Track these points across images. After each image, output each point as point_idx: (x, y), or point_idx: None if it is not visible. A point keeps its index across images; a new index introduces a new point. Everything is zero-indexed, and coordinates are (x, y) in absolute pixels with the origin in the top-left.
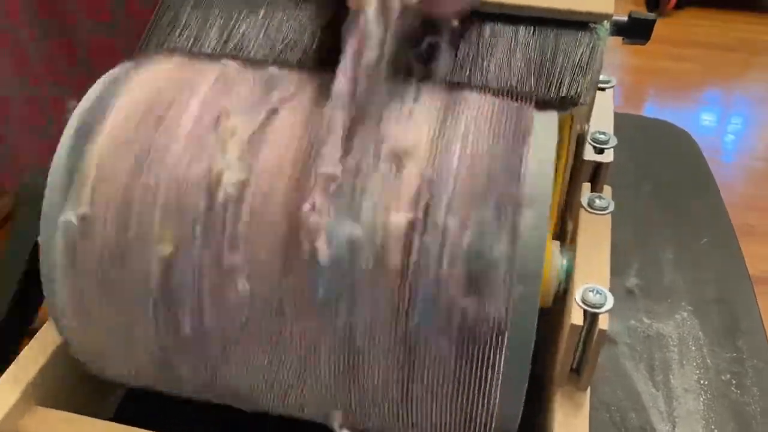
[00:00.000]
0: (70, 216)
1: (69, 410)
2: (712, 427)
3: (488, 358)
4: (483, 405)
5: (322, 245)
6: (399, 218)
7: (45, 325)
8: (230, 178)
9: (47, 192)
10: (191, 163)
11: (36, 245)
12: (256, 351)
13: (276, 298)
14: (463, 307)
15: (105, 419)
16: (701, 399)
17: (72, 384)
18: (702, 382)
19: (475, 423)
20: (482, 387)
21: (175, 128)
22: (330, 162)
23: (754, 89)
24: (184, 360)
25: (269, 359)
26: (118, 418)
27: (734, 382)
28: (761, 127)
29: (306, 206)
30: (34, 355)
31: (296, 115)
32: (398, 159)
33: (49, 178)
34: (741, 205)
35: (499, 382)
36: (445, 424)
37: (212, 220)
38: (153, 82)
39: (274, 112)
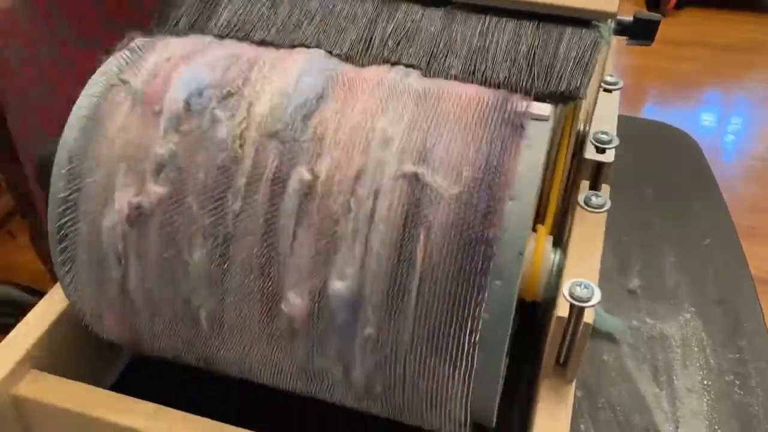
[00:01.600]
0: None
1: (70, 377)
2: (716, 427)
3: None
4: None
5: None
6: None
7: (50, 291)
8: None
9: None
10: None
11: None
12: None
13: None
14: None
15: (106, 387)
16: (705, 399)
17: (74, 351)
18: (705, 382)
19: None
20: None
21: None
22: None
23: (754, 89)
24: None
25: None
26: (119, 387)
27: (737, 382)
28: (761, 128)
29: None
30: (36, 321)
31: None
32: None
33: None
34: (741, 205)
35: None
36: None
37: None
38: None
39: None
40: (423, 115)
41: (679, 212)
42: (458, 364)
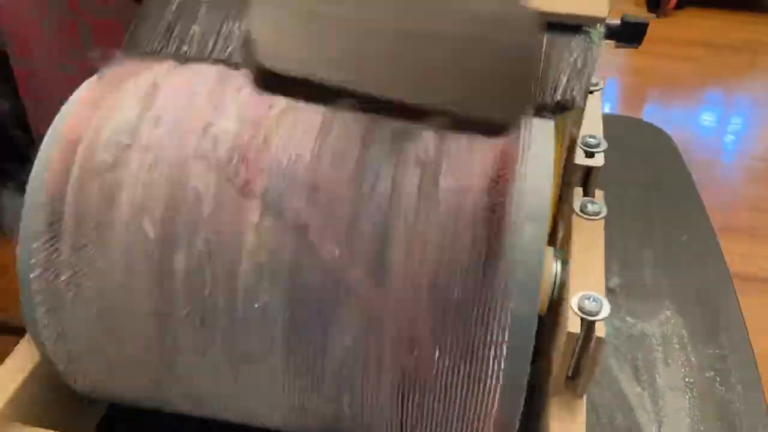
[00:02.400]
0: None
1: (50, 427)
2: (699, 425)
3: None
4: (482, 401)
5: None
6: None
7: (22, 340)
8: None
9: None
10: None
11: None
12: None
13: None
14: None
15: None
16: (687, 397)
17: (52, 401)
18: (687, 380)
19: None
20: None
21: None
22: None
23: (754, 89)
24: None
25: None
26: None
27: (718, 379)
28: (762, 128)
29: None
30: (12, 372)
31: None
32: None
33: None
34: (742, 205)
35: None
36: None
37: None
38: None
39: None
40: None
41: (655, 209)
42: (484, 381)
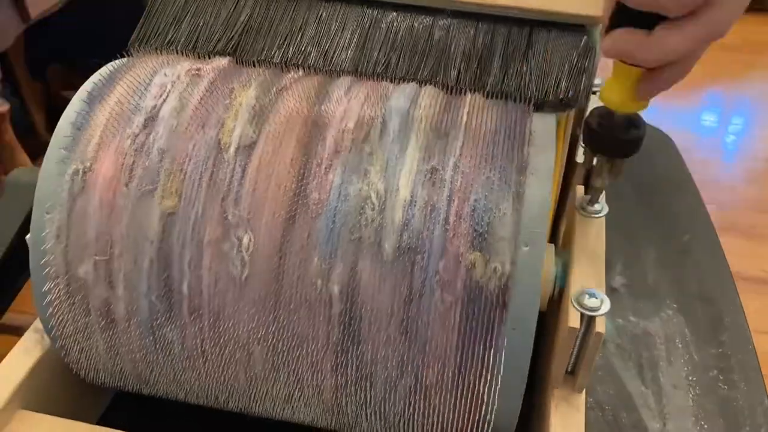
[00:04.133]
0: (75, 166)
1: (55, 414)
2: (702, 422)
3: (491, 320)
4: (484, 386)
5: (330, 197)
6: (405, 179)
7: (30, 328)
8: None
9: (50, 149)
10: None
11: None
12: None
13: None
14: (469, 261)
15: (95, 422)
16: (690, 395)
17: (59, 388)
18: (690, 378)
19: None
20: (484, 364)
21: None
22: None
23: (755, 89)
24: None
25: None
26: (104, 423)
27: (721, 377)
28: (763, 128)
29: (315, 162)
30: (20, 359)
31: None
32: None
33: (54, 135)
34: (743, 205)
35: (502, 356)
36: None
37: (219, 176)
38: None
39: (283, 89)
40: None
41: (657, 209)
42: (484, 379)
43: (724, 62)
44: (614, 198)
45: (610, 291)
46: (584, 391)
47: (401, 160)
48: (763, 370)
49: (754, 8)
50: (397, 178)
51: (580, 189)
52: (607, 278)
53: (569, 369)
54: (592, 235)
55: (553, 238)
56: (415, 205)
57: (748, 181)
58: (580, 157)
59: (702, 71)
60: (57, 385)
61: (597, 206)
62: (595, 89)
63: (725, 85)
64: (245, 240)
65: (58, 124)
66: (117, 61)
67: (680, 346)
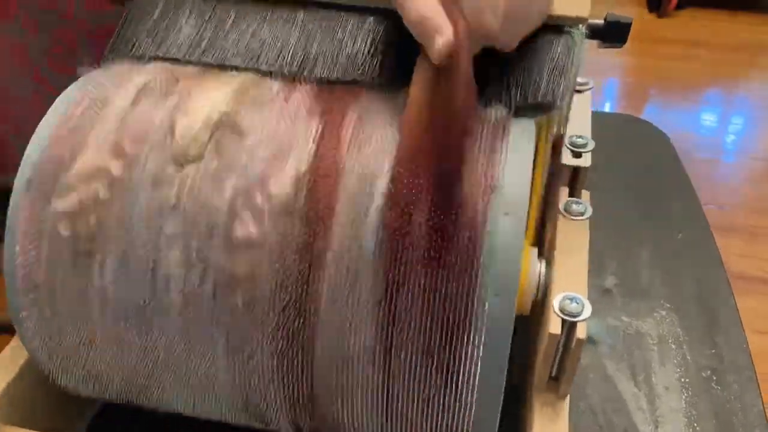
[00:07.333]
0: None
1: (37, 429)
2: (695, 425)
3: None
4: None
5: None
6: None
7: (11, 342)
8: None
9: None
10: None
11: None
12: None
13: None
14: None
15: None
16: (683, 397)
17: (40, 402)
18: (683, 380)
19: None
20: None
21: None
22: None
23: (755, 89)
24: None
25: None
26: None
27: (715, 378)
28: (763, 128)
29: None
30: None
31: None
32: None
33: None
34: (743, 205)
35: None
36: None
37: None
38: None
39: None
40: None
41: (651, 208)
42: (459, 381)
43: (724, 62)
44: (606, 196)
45: (603, 291)
46: (568, 397)
47: None
48: (758, 369)
49: (754, 8)
50: None
51: (564, 191)
52: (600, 278)
53: (552, 374)
54: (574, 237)
55: (539, 242)
56: None
57: (748, 181)
58: (565, 159)
59: (702, 71)
60: (39, 399)
61: (580, 208)
62: (579, 88)
63: (725, 85)
64: None
65: None
66: None
67: (674, 346)
